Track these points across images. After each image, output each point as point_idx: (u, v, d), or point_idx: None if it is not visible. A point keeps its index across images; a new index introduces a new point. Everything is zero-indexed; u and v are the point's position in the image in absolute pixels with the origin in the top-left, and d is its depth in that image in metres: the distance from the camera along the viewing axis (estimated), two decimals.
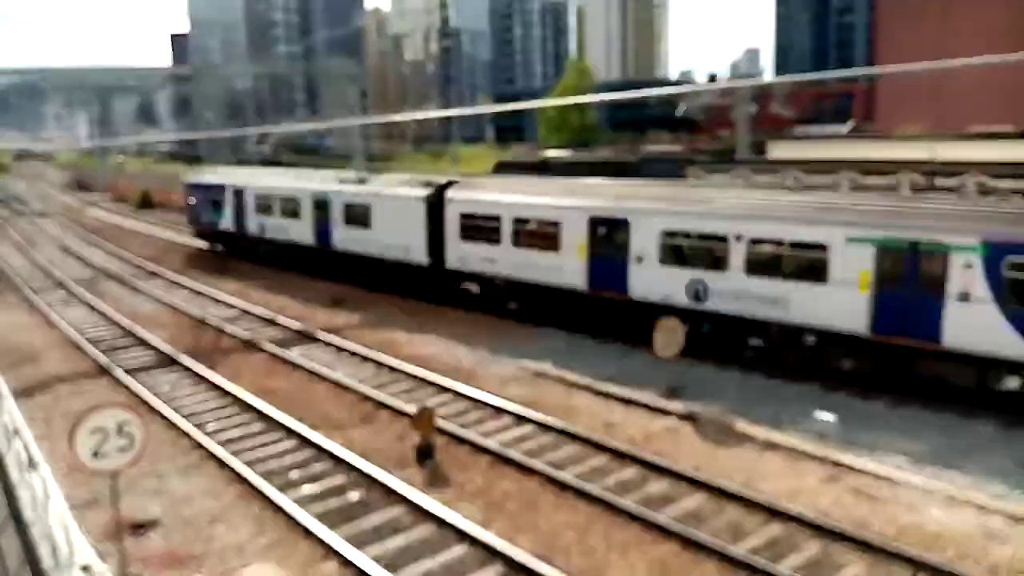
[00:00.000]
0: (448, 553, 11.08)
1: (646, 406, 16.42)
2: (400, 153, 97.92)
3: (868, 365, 16.72)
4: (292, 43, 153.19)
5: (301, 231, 31.78)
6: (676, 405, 16.20)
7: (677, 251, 19.42)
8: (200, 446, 14.91)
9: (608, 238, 20.62)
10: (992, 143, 36.52)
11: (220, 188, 37.44)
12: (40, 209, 66.08)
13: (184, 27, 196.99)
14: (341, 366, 19.98)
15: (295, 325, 23.89)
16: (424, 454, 14.06)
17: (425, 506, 12.18)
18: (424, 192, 26.15)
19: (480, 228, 24.06)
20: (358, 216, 28.82)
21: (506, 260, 23.31)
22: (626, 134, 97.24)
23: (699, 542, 11.01)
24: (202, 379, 19.19)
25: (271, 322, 24.79)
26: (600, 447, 14.40)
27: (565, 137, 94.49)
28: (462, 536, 11.41)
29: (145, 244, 43.26)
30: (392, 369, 19.56)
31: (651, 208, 20.17)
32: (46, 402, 17.87)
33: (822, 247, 16.65)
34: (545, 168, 43.70)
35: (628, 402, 16.73)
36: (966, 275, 14.69)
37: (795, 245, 17.29)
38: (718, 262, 18.42)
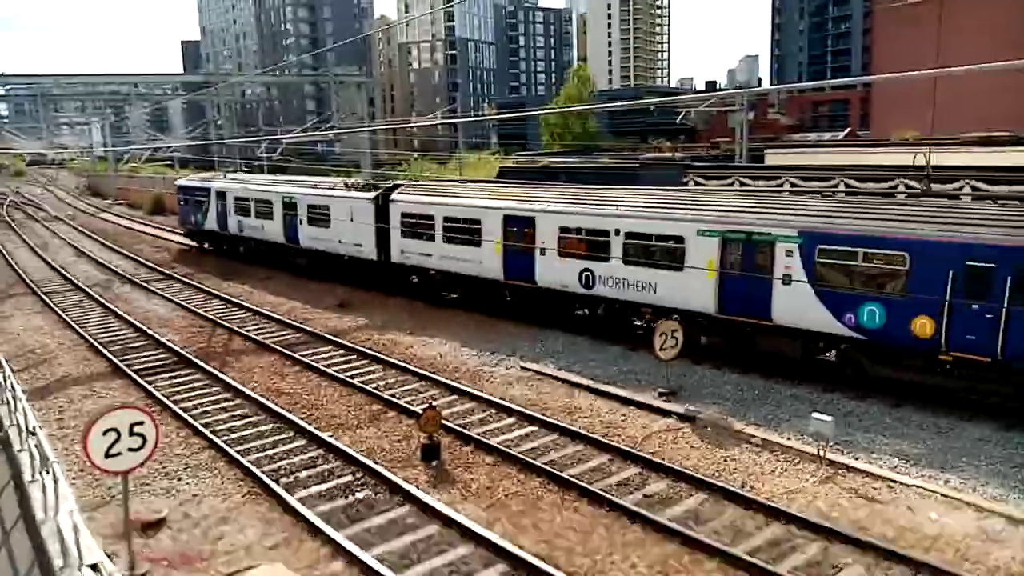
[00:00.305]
0: (453, 552, 11.31)
1: (646, 407, 16.68)
2: (406, 159, 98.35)
3: (721, 341, 19.38)
4: (302, 51, 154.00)
5: (274, 230, 34.30)
6: (675, 406, 16.44)
7: (571, 244, 21.88)
8: (211, 446, 15.21)
9: (519, 234, 23.12)
10: (989, 149, 36.61)
11: (206, 191, 39.74)
12: (54, 213, 66.67)
13: (195, 34, 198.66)
14: (348, 367, 20.27)
15: (303, 327, 24.21)
16: (430, 453, 14.32)
17: (430, 505, 12.44)
18: (372, 194, 28.94)
19: (418, 226, 26.59)
20: (317, 216, 31.42)
21: (439, 254, 25.90)
22: (627, 141, 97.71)
23: (700, 542, 11.24)
24: (213, 380, 19.51)
25: (280, 323, 25.13)
26: (601, 447, 14.66)
27: (567, 144, 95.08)
28: (466, 535, 11.65)
29: (157, 248, 43.70)
30: (398, 370, 19.86)
31: (551, 208, 22.67)
32: (60, 403, 18.18)
33: (680, 239, 19.34)
34: (546, 174, 44.06)
35: (629, 403, 16.99)
36: (788, 261, 17.24)
37: (659, 238, 19.94)
38: (602, 254, 20.77)
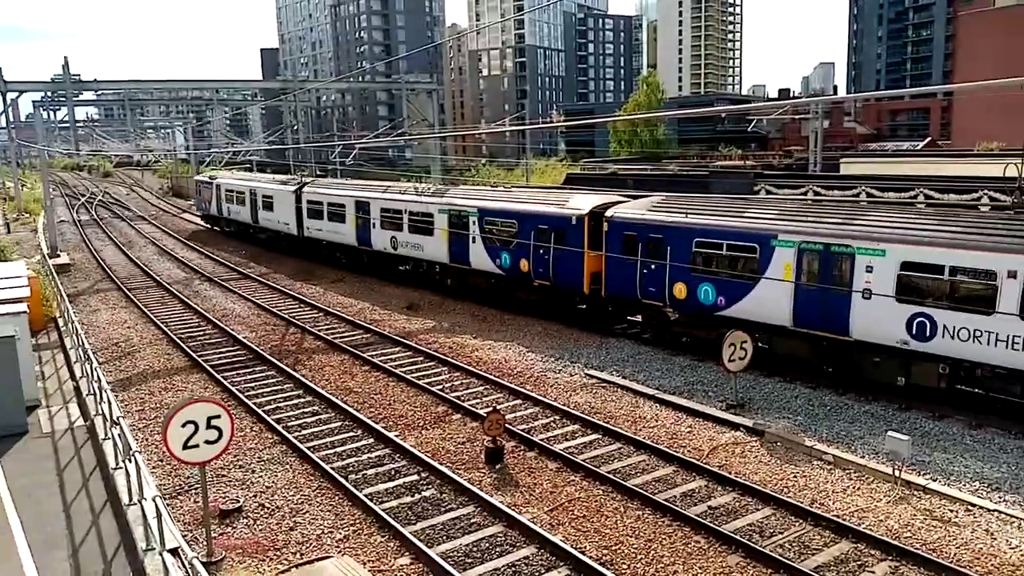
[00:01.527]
0: (516, 554, 11.43)
1: (713, 419, 16.48)
2: (474, 165, 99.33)
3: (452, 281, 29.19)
4: (375, 59, 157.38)
5: (243, 214, 46.89)
6: (743, 419, 16.20)
7: (400, 223, 31.15)
8: (283, 441, 15.70)
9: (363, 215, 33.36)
10: None
11: (210, 184, 52.86)
12: (138, 213, 69.67)
13: (274, 43, 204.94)
14: (415, 368, 20.63)
15: (372, 328, 24.74)
16: (494, 456, 14.48)
17: (494, 506, 12.58)
18: (293, 187, 39.98)
19: (318, 211, 37.04)
20: (267, 203, 43.17)
21: (326, 229, 36.54)
22: (695, 149, 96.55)
23: (765, 555, 11.07)
24: (285, 377, 20.13)
25: (350, 324, 25.73)
26: (666, 458, 14.56)
27: (635, 151, 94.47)
28: (529, 537, 11.75)
29: (234, 248, 45.25)
30: (463, 373, 20.12)
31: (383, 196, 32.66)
32: (141, 394, 19.04)
33: (430, 215, 29.04)
34: (613, 181, 43.94)
35: (695, 414, 16.81)
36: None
37: (423, 215, 29.43)
38: (400, 227, 31.05)
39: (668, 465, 14.33)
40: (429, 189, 31.90)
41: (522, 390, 18.45)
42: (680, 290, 20.66)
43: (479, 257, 27.27)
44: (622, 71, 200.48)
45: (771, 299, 18.67)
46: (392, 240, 31.37)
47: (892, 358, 16.93)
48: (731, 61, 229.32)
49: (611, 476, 13.63)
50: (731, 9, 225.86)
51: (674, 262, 20.65)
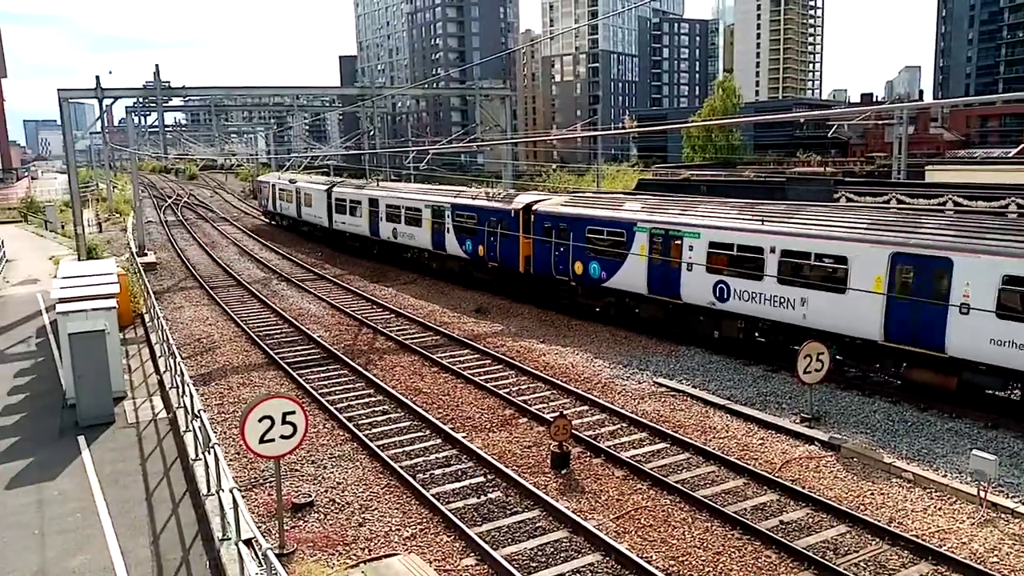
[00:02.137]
0: (580, 559, 11.37)
1: (786, 431, 16.05)
2: (545, 171, 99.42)
3: (436, 265, 34.87)
4: (450, 65, 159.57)
5: (291, 209, 53.91)
6: (818, 432, 15.73)
7: (399, 217, 36.92)
8: (353, 438, 16.04)
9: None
10: None
11: (267, 184, 61.18)
12: (221, 215, 72.33)
13: (352, 50, 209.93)
14: (483, 371, 20.78)
15: (442, 330, 25.04)
16: (560, 462, 14.45)
17: (560, 511, 12.55)
18: (325, 188, 46.29)
19: (343, 207, 43.20)
20: (307, 200, 49.60)
21: (348, 222, 42.01)
22: (772, 154, 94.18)
23: (840, 574, 10.72)
24: (357, 376, 20.56)
25: (420, 326, 26.11)
26: (736, 469, 14.26)
27: (709, 157, 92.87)
28: (595, 544, 11.68)
29: (311, 249, 46.50)
30: (530, 377, 20.15)
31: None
32: (220, 389, 19.74)
33: (419, 210, 34.65)
34: (686, 187, 43.28)
35: (767, 426, 16.41)
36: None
37: (415, 209, 35.10)
38: (399, 220, 36.78)
39: (738, 477, 14.04)
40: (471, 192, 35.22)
41: (589, 396, 18.37)
42: (579, 267, 25.88)
43: (452, 244, 32.74)
44: (697, 76, 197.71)
45: (634, 272, 23.81)
46: (393, 231, 36.76)
47: (708, 316, 21.72)
48: (811, 65, 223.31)
49: (679, 486, 13.43)
50: (811, 11, 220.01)
51: (576, 243, 25.76)
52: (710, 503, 12.77)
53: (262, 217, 66.68)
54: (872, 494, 13.32)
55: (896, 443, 15.23)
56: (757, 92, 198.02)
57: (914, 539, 11.57)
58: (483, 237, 30.49)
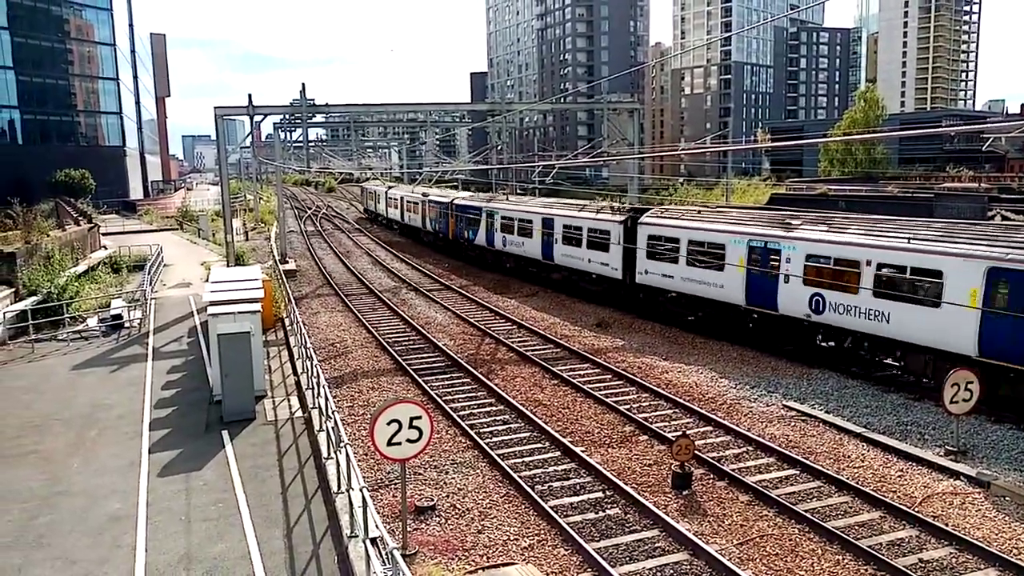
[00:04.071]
0: None
1: (928, 464, 15.00)
2: (672, 184, 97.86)
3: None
4: (578, 80, 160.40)
5: (379, 208, 72.13)
6: (965, 467, 14.60)
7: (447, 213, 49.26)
8: (474, 446, 16.33)
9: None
10: None
11: (367, 189, 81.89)
12: (356, 226, 75.82)
13: (482, 66, 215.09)
14: (603, 386, 20.65)
15: (562, 343, 25.10)
16: (681, 482, 14.13)
17: (680, 533, 12.27)
18: (393, 191, 63.48)
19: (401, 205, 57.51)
20: (388, 201, 67.19)
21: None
22: (919, 168, 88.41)
23: None
24: (479, 384, 20.93)
25: (541, 338, 26.28)
26: (872, 501, 13.46)
27: (849, 171, 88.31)
28: (716, 569, 11.32)
29: (438, 260, 47.89)
30: (651, 394, 19.84)
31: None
32: (351, 392, 20.61)
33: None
34: (823, 202, 41.29)
35: (907, 457, 15.38)
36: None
37: (444, 205, 50.00)
38: (446, 216, 48.69)
39: (874, 510, 13.24)
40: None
41: (713, 417, 17.87)
42: (500, 240, 39.85)
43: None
44: (836, 86, 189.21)
45: (532, 245, 36.25)
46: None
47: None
48: (963, 74, 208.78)
49: (808, 515, 12.81)
50: (966, 17, 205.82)
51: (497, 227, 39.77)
52: (842, 535, 12.11)
53: (391, 227, 70.75)
54: None
55: None
56: (903, 103, 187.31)
57: None
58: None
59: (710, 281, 25.34)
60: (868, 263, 19.80)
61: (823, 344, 22.53)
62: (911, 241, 19.08)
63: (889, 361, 20.96)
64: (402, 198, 61.54)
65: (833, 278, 20.75)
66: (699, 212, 29.62)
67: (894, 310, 19.15)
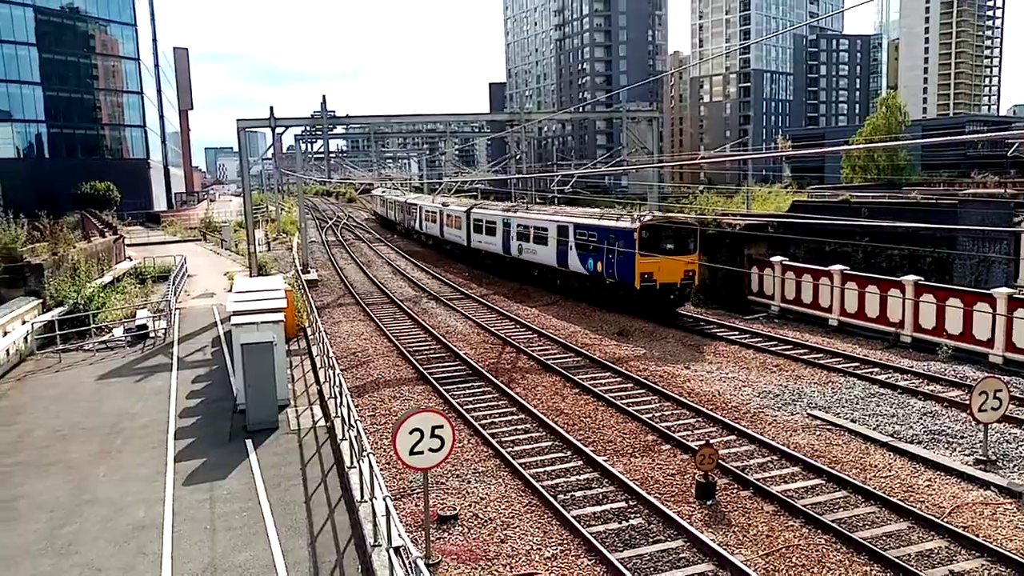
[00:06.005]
0: None
1: (957, 473, 14.79)
2: (691, 192, 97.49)
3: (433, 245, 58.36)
4: (596, 89, 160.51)
5: (387, 212, 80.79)
6: (996, 477, 14.36)
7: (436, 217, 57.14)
8: (496, 455, 16.30)
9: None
10: None
11: (376, 196, 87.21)
12: (376, 236, 76.18)
13: (501, 76, 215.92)
14: (624, 395, 20.56)
15: (583, 352, 25.02)
16: (705, 492, 14.02)
17: (705, 543, 12.16)
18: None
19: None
20: (393, 206, 74.95)
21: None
22: (942, 175, 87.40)
23: None
24: (500, 393, 20.91)
25: (562, 346, 26.23)
26: (899, 511, 13.28)
27: (871, 177, 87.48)
28: None
29: (458, 271, 47.98)
30: (674, 403, 19.72)
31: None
32: (373, 401, 20.67)
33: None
34: (845, 209, 40.93)
35: (935, 467, 15.18)
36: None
37: (434, 212, 57.69)
38: (434, 220, 57.22)
39: (902, 520, 13.06)
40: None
41: (737, 426, 17.72)
42: (479, 240, 45.99)
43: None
44: (857, 93, 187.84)
45: (492, 241, 43.45)
46: (426, 226, 51.10)
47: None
48: (986, 79, 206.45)
49: (835, 525, 12.66)
50: (989, 20, 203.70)
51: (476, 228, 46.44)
52: (870, 546, 11.94)
53: (411, 236, 71.51)
54: None
55: None
56: (924, 109, 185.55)
57: None
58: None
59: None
60: (545, 229, 36.27)
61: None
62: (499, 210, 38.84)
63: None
64: (420, 207, 63.09)
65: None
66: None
67: (538, 249, 37.03)
